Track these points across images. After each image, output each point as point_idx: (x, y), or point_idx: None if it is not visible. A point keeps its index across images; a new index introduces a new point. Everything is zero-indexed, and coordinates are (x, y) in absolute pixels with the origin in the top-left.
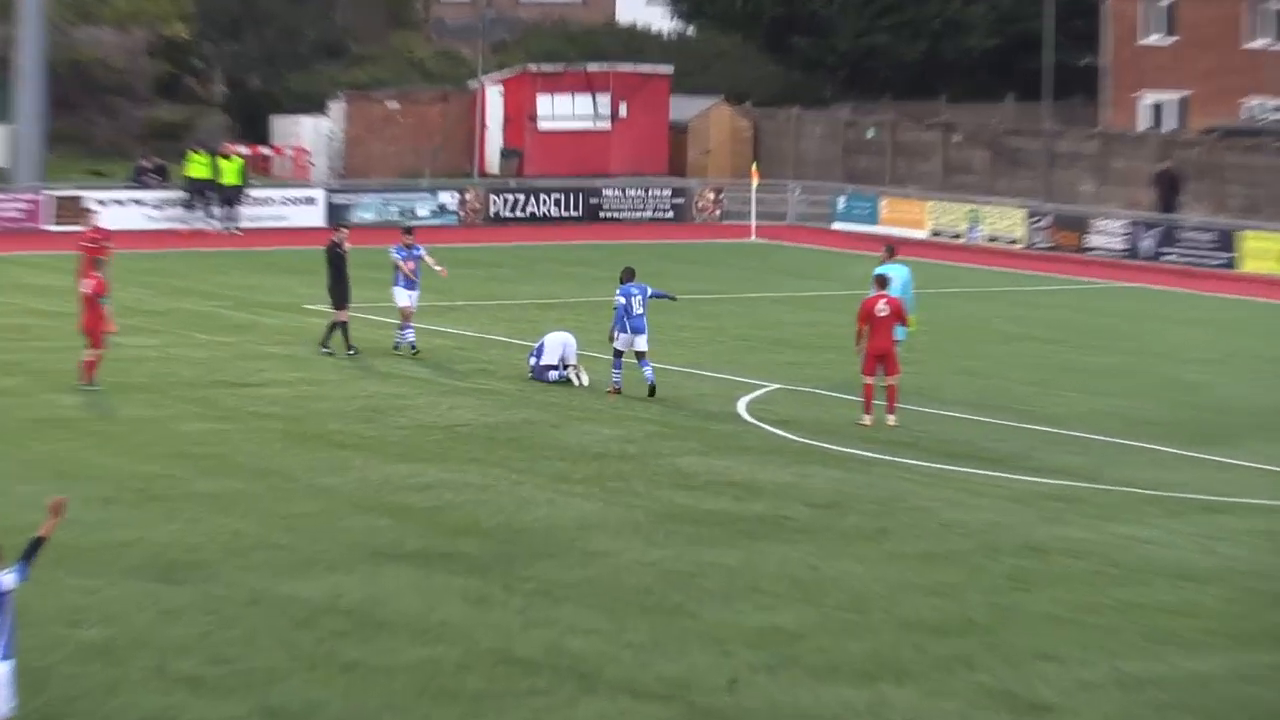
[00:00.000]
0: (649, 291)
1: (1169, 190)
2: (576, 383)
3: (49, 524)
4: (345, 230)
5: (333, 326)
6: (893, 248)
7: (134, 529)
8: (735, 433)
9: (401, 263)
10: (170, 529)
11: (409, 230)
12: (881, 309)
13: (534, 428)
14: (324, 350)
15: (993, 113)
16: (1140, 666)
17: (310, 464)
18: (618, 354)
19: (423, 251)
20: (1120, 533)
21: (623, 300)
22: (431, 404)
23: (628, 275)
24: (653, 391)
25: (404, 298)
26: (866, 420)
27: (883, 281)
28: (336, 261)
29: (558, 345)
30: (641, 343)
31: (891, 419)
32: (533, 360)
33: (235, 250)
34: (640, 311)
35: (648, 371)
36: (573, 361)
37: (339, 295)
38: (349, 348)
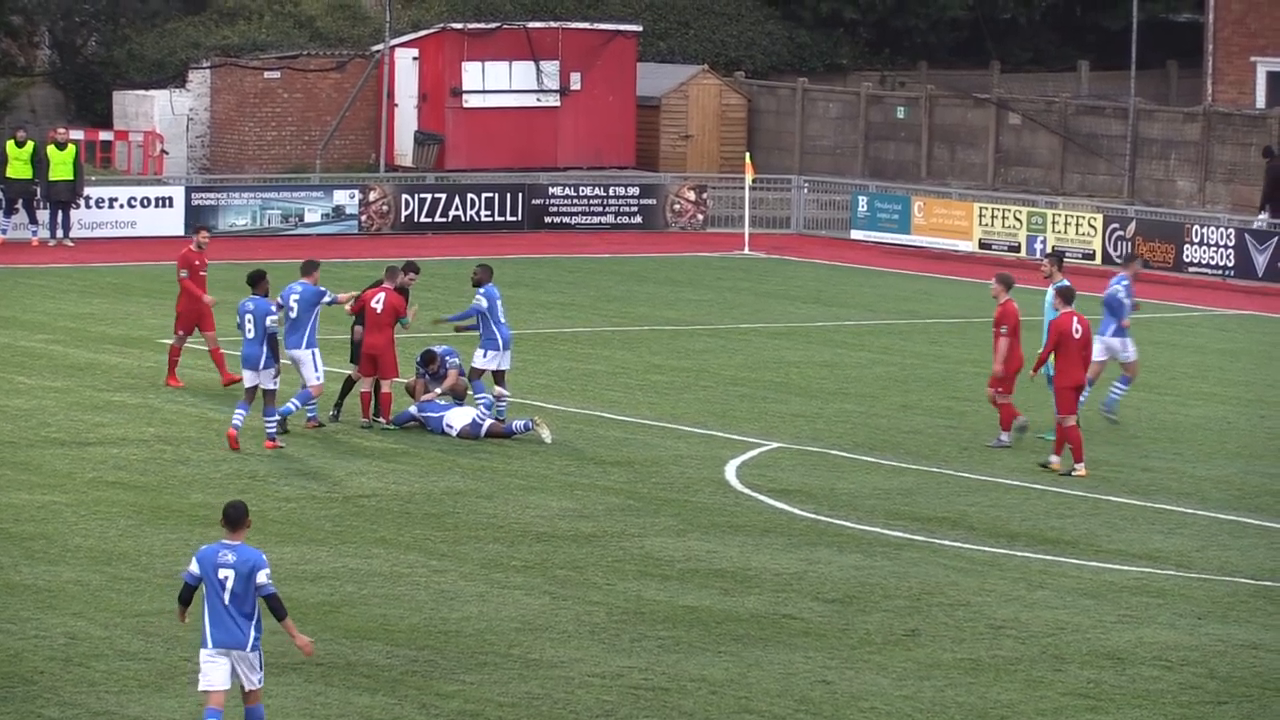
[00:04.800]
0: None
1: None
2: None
3: (300, 642)
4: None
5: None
6: (1060, 255)
7: None
8: (723, 506)
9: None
10: None
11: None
12: (1077, 330)
13: (460, 499)
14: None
15: (1061, 85)
16: None
17: (168, 547)
18: (479, 373)
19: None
20: (1222, 635)
21: (484, 303)
22: (325, 468)
23: (486, 275)
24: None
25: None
26: (1080, 470)
27: (1067, 295)
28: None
29: (465, 415)
30: (507, 360)
31: (1080, 469)
32: (413, 410)
33: (68, 267)
34: (505, 320)
35: (504, 403)
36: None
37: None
38: (334, 409)
